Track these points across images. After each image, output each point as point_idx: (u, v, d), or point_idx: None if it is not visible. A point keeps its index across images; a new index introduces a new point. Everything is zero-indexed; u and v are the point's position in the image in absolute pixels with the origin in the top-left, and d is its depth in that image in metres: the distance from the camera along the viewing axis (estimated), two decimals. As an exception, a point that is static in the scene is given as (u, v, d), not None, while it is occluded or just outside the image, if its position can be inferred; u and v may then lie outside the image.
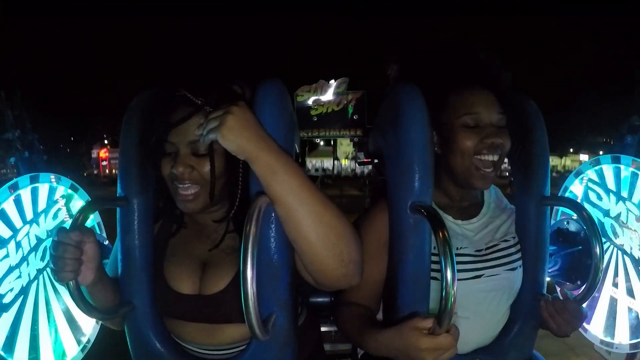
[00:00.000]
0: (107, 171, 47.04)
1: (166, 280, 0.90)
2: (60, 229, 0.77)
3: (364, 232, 0.95)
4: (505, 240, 1.01)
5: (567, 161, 51.38)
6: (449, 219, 0.99)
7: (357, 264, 0.75)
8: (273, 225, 0.78)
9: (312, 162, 53.41)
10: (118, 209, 0.91)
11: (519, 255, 1.01)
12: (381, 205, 0.96)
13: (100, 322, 1.46)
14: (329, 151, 53.65)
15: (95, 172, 46.94)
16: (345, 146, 51.86)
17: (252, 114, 0.72)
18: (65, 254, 0.75)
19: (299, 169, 0.71)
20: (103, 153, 47.43)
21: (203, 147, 0.82)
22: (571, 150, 52.11)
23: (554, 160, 50.84)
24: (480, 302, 0.96)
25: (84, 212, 0.81)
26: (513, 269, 0.99)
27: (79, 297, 0.77)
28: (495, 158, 0.93)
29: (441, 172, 0.99)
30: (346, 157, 51.65)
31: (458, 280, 0.78)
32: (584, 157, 48.36)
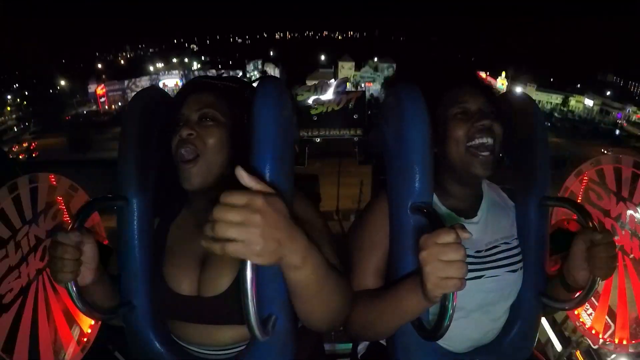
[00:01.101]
0: (106, 107, 46.88)
1: (165, 280, 0.90)
2: (59, 230, 0.77)
3: (366, 223, 0.97)
4: (506, 243, 1.01)
5: (572, 101, 48.58)
6: (452, 215, 0.99)
7: (343, 318, 0.82)
8: None
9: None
10: (117, 209, 0.91)
11: (520, 257, 1.01)
12: (382, 197, 0.97)
13: (100, 322, 1.46)
14: (330, 74, 51.63)
15: (94, 107, 46.89)
16: (346, 70, 50.82)
17: (278, 199, 0.58)
18: (65, 254, 0.74)
19: (322, 262, 0.67)
20: (100, 90, 46.98)
21: (210, 117, 0.88)
22: (578, 86, 48.93)
23: (558, 99, 48.74)
24: (480, 303, 0.96)
25: (84, 212, 0.80)
26: (514, 271, 0.98)
27: (78, 298, 0.77)
28: (489, 141, 0.93)
29: (441, 171, 0.99)
30: (347, 82, 50.31)
31: None
32: (588, 102, 46.16)
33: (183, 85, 0.96)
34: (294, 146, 0.89)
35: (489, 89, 1.00)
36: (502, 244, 1.00)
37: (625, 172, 1.37)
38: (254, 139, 0.78)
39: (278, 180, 0.78)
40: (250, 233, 0.53)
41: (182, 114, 0.90)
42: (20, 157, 33.83)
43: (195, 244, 0.92)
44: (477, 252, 0.97)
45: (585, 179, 1.49)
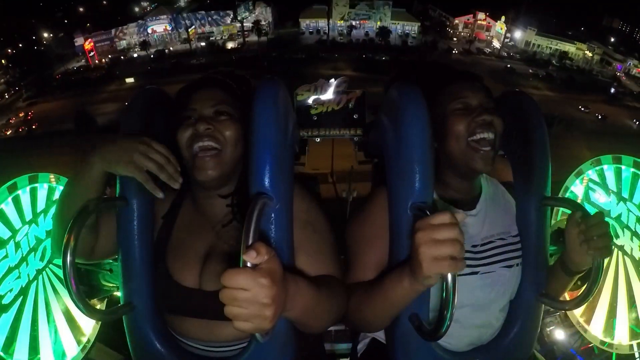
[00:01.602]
0: (96, 61, 45.14)
1: (169, 272, 0.90)
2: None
3: (365, 217, 0.98)
4: (502, 239, 1.01)
5: (571, 48, 46.54)
6: (451, 208, 0.98)
7: (338, 319, 0.87)
8: (272, 226, 0.77)
9: (306, 23, 50.41)
10: (118, 210, 0.90)
11: (517, 253, 1.00)
12: (382, 192, 0.97)
13: (99, 322, 1.46)
14: (324, 11, 50.39)
15: (84, 61, 45.06)
16: (341, 7, 49.40)
17: (275, 268, 0.59)
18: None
19: (309, 293, 0.72)
20: (88, 44, 45.27)
21: (225, 112, 0.89)
22: (582, 29, 46.77)
23: (558, 45, 46.83)
24: (476, 298, 0.96)
25: (83, 213, 0.80)
26: (509, 267, 0.99)
27: (78, 299, 0.77)
28: (490, 136, 0.93)
29: (442, 165, 0.99)
30: (342, 19, 49.76)
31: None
32: (588, 54, 44.46)
33: (190, 82, 0.96)
34: (294, 146, 0.89)
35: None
36: (497, 239, 1.00)
37: (626, 172, 1.37)
38: (254, 140, 0.78)
39: (277, 180, 0.77)
40: (257, 312, 0.56)
41: (193, 109, 0.90)
42: (20, 130, 32.05)
43: (199, 237, 0.93)
44: (474, 246, 0.97)
45: (585, 179, 1.49)
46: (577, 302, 0.93)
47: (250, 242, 0.60)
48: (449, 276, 0.65)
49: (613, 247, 1.31)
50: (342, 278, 0.91)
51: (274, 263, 0.58)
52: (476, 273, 0.95)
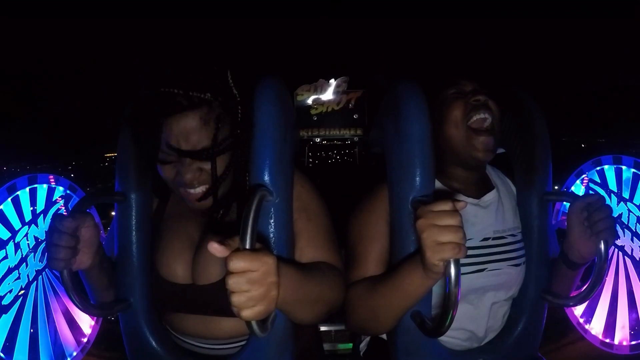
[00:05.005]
0: None
1: (157, 269, 0.88)
2: (55, 216, 0.76)
3: (366, 211, 0.97)
4: (513, 235, 1.00)
5: None
6: (461, 197, 0.97)
7: (331, 309, 0.82)
8: (272, 220, 0.77)
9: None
10: (116, 205, 0.90)
11: (523, 252, 1.00)
12: (382, 186, 0.96)
13: (99, 322, 1.46)
14: None
15: None
16: None
17: (271, 261, 0.58)
18: (60, 241, 0.73)
19: (298, 279, 0.70)
20: None
21: (206, 151, 0.78)
22: None
23: None
24: (481, 296, 0.95)
25: (81, 205, 0.79)
26: (517, 265, 0.98)
27: (73, 291, 0.76)
28: (487, 116, 0.93)
29: (444, 155, 0.99)
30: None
31: (461, 274, 0.77)
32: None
33: (148, 103, 0.78)
34: (294, 145, 0.89)
35: (486, 72, 1.02)
36: (509, 235, 1.00)
37: (626, 173, 1.37)
38: (254, 139, 0.78)
39: (277, 175, 0.78)
40: (266, 292, 0.56)
41: (169, 145, 0.78)
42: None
43: (188, 231, 0.90)
44: (485, 239, 0.96)
45: (585, 180, 1.49)
46: (581, 298, 0.91)
47: (248, 231, 0.59)
48: (452, 265, 0.64)
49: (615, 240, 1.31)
50: (341, 266, 0.89)
51: (272, 262, 0.59)
52: (482, 270, 0.95)
